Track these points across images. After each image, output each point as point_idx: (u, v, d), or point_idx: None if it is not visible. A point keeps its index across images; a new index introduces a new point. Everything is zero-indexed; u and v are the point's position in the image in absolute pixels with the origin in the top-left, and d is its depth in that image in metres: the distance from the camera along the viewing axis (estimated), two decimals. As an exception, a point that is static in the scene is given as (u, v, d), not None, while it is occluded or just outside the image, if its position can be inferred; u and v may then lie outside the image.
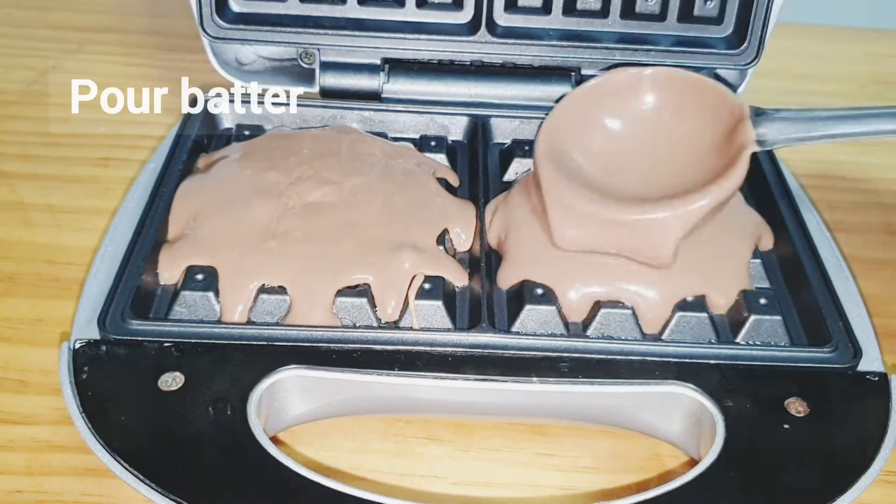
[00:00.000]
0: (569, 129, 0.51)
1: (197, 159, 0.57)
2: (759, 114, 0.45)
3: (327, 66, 0.61)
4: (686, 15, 0.60)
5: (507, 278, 0.49)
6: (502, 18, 0.60)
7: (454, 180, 0.57)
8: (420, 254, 0.49)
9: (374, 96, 0.61)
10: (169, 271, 0.49)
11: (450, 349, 0.44)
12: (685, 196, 0.46)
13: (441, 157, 0.59)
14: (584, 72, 0.61)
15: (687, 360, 0.44)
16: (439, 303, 0.47)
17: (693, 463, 0.43)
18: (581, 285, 0.48)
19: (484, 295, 0.47)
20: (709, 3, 0.59)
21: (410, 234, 0.50)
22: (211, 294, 0.47)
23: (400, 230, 0.50)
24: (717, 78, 0.62)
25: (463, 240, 0.52)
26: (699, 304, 0.48)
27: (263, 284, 0.47)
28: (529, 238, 0.50)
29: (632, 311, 0.47)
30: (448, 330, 0.47)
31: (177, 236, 0.50)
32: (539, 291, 0.48)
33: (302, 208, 0.51)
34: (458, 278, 0.49)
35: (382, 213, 0.51)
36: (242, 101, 0.61)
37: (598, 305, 0.47)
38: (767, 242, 0.53)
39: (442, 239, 0.51)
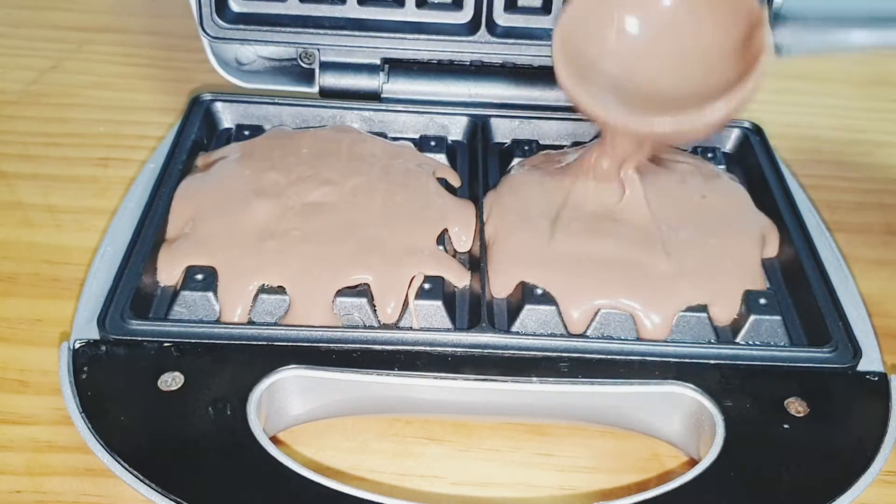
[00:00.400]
0: (583, 32, 0.49)
1: (196, 159, 0.57)
2: (777, 18, 0.43)
3: (327, 66, 0.61)
4: (686, 15, 0.60)
5: (504, 282, 0.49)
6: (502, 18, 0.60)
7: (455, 180, 0.57)
8: (421, 254, 0.49)
9: (373, 96, 0.61)
10: (168, 272, 0.48)
11: (449, 349, 0.44)
12: (694, 110, 0.44)
13: (441, 157, 0.59)
14: (583, 72, 0.61)
15: (687, 360, 0.44)
16: (439, 303, 0.47)
17: (693, 463, 0.43)
18: (584, 300, 0.47)
19: (484, 295, 0.47)
20: (708, 3, 0.59)
21: (410, 234, 0.50)
22: (211, 294, 0.47)
23: (400, 230, 0.50)
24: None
25: (463, 241, 0.52)
26: (700, 305, 0.48)
27: (263, 285, 0.47)
28: (524, 238, 0.50)
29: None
30: (448, 330, 0.47)
31: (176, 236, 0.50)
32: (539, 291, 0.48)
33: (301, 208, 0.51)
34: (459, 278, 0.49)
35: (383, 213, 0.51)
36: (242, 101, 0.61)
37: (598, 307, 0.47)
38: (773, 249, 0.52)
39: (442, 239, 0.51)
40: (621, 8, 0.49)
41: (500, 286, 0.49)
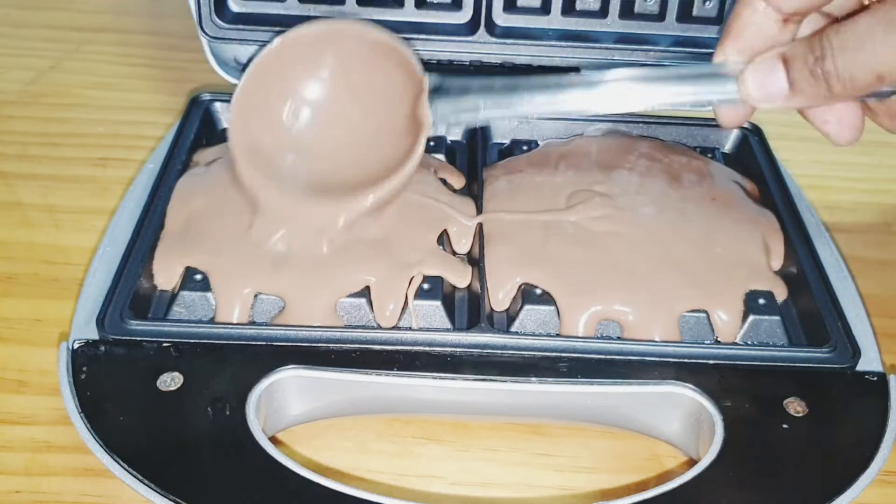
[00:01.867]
0: (256, 106, 0.48)
1: (194, 155, 0.57)
2: (437, 87, 0.43)
3: (326, 66, 0.61)
4: (685, 15, 0.60)
5: (502, 281, 0.49)
6: (501, 18, 0.60)
7: (458, 181, 0.57)
8: (424, 254, 0.49)
9: (372, 96, 0.61)
10: (164, 276, 0.48)
11: (449, 349, 0.44)
12: (352, 195, 0.45)
13: (440, 158, 0.59)
14: (583, 72, 0.61)
15: (686, 360, 0.44)
16: (438, 303, 0.47)
17: (692, 463, 0.43)
18: (589, 309, 0.47)
19: (483, 295, 0.47)
20: (707, 3, 0.59)
21: (411, 234, 0.50)
22: (209, 294, 0.47)
23: (401, 231, 0.50)
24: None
25: (463, 243, 0.52)
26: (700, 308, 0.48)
27: (259, 293, 0.47)
28: (520, 239, 0.50)
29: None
30: (447, 330, 0.47)
31: (172, 236, 0.50)
32: (538, 291, 0.48)
33: None
34: (460, 279, 0.49)
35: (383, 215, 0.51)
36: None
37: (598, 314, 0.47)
38: (777, 256, 0.52)
39: (441, 240, 0.51)
40: (286, 94, 0.49)
41: (500, 294, 0.48)
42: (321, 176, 0.46)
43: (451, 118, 0.43)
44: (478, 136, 0.59)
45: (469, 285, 0.49)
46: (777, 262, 0.51)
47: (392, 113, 0.46)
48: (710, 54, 0.58)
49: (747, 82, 0.38)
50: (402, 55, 0.45)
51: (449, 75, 0.45)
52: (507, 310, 0.48)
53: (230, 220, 0.50)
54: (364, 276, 0.47)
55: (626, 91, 0.39)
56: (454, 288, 0.49)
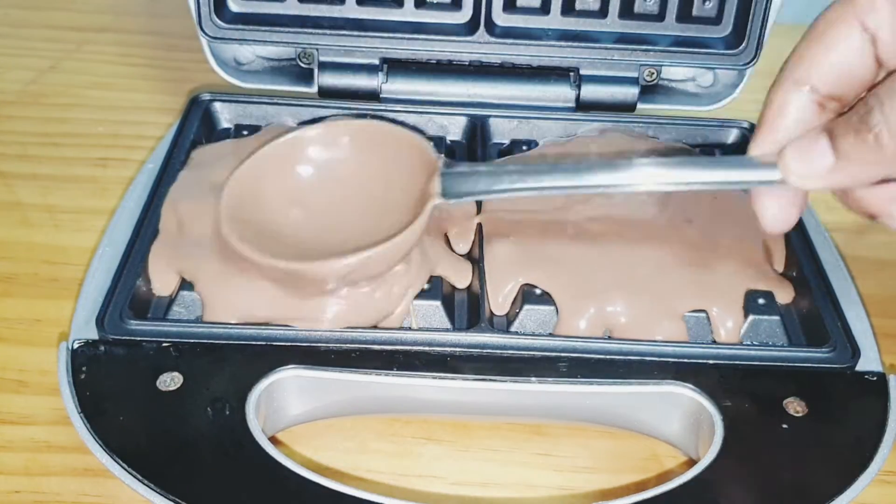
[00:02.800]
0: (256, 190, 0.48)
1: (192, 152, 0.57)
2: (450, 166, 0.44)
3: (326, 66, 0.61)
4: (685, 15, 0.60)
5: (502, 282, 0.48)
6: (501, 18, 0.60)
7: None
8: (427, 255, 0.49)
9: (372, 96, 0.61)
10: (159, 284, 0.48)
11: (448, 349, 0.44)
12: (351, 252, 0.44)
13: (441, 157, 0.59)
14: (582, 71, 0.61)
15: (685, 360, 0.44)
16: (438, 303, 0.47)
17: (691, 463, 0.43)
18: (589, 310, 0.47)
19: (483, 295, 0.47)
20: (707, 3, 0.59)
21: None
22: (209, 294, 0.47)
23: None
24: (715, 77, 0.62)
25: (461, 246, 0.51)
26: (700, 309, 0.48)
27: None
28: (520, 238, 0.50)
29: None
30: (447, 330, 0.47)
31: (166, 240, 0.50)
32: (538, 292, 0.48)
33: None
34: (461, 279, 0.49)
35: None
36: (241, 101, 0.61)
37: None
38: (779, 256, 0.52)
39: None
40: (293, 165, 0.49)
41: (500, 298, 0.48)
42: (325, 249, 0.46)
43: (461, 192, 0.43)
44: (478, 135, 0.59)
45: (469, 286, 0.49)
46: (780, 263, 0.51)
47: (406, 193, 0.47)
48: (711, 54, 0.59)
49: (787, 159, 0.35)
50: (417, 144, 0.47)
51: (461, 162, 0.46)
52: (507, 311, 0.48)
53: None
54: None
55: (653, 173, 0.37)
56: (454, 288, 0.49)
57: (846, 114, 0.34)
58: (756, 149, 0.37)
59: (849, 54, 0.35)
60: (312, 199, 0.49)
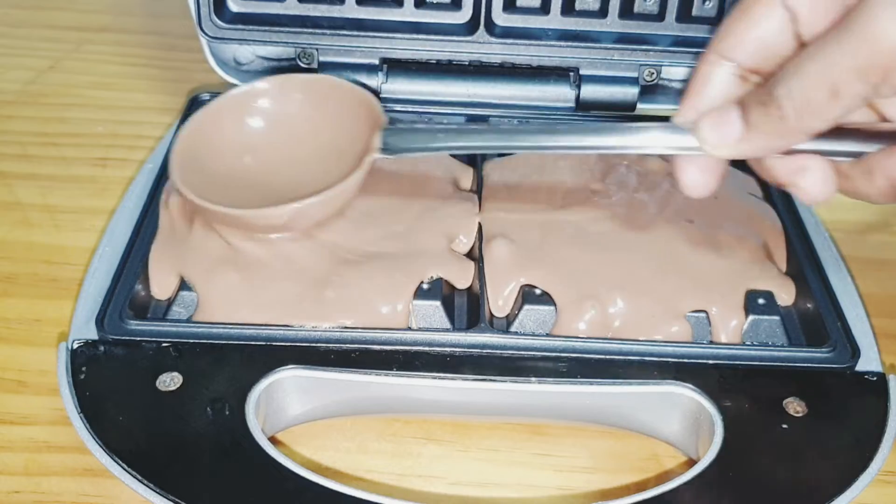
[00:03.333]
0: (206, 141, 0.51)
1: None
2: (392, 123, 0.47)
3: (325, 66, 0.61)
4: (684, 15, 0.60)
5: (502, 283, 0.48)
6: (501, 18, 0.60)
7: (466, 181, 0.56)
8: (430, 255, 0.49)
9: (372, 96, 0.61)
10: (158, 288, 0.48)
11: (448, 349, 0.44)
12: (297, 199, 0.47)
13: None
14: (582, 71, 0.61)
15: (685, 360, 0.44)
16: (437, 303, 0.47)
17: (691, 463, 0.43)
18: (589, 310, 0.47)
19: (483, 296, 0.47)
20: (707, 3, 0.59)
21: (419, 237, 0.50)
22: (209, 294, 0.47)
23: (409, 235, 0.50)
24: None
25: (464, 243, 0.51)
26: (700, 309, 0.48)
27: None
28: (520, 238, 0.50)
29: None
30: (447, 330, 0.47)
31: (165, 240, 0.49)
32: (538, 292, 0.48)
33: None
34: (463, 280, 0.49)
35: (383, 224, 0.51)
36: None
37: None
38: (781, 256, 0.52)
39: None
40: (242, 116, 0.53)
41: (500, 301, 0.48)
42: (274, 196, 0.49)
43: (400, 147, 0.46)
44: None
45: (469, 286, 0.49)
46: (781, 262, 0.51)
47: (352, 146, 0.50)
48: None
49: (702, 128, 0.37)
50: (365, 99, 0.51)
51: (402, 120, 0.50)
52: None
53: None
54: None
55: (582, 136, 0.40)
56: (453, 288, 0.49)
57: (760, 87, 0.36)
58: (679, 117, 0.38)
59: (770, 30, 0.36)
60: (263, 148, 0.52)
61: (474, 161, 0.58)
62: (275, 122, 0.53)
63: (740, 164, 0.58)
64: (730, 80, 0.37)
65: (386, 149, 0.46)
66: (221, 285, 0.47)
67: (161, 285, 0.48)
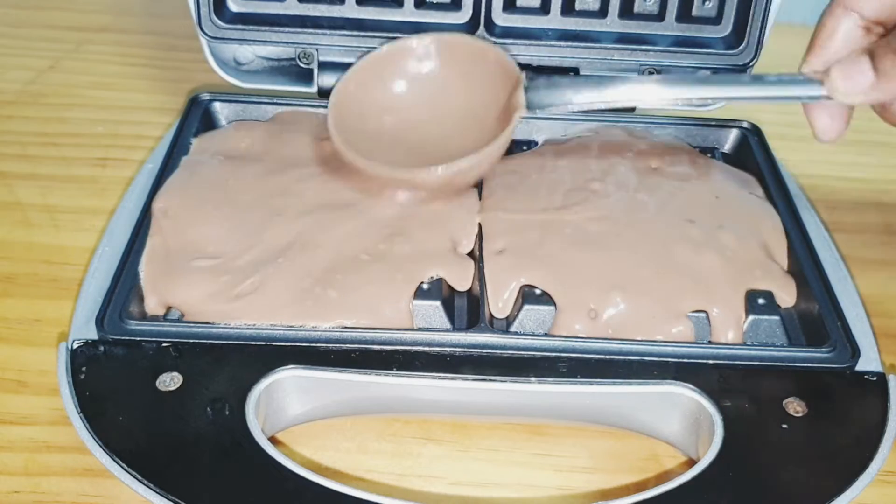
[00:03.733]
0: (357, 101, 0.53)
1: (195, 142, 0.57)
2: (532, 79, 0.48)
3: (325, 66, 0.61)
4: (684, 15, 0.60)
5: (502, 284, 0.48)
6: (501, 18, 0.60)
7: None
8: (430, 255, 0.49)
9: (372, 96, 0.61)
10: (152, 311, 0.47)
11: (448, 349, 0.44)
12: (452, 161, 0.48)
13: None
14: (582, 71, 0.61)
15: (685, 360, 0.44)
16: (437, 303, 0.47)
17: (691, 463, 0.43)
18: (591, 311, 0.47)
19: (483, 296, 0.47)
20: (707, 2, 0.59)
21: (419, 238, 0.50)
22: (209, 294, 0.47)
23: (409, 235, 0.50)
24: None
25: (465, 244, 0.51)
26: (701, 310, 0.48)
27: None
28: (519, 239, 0.50)
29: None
30: (446, 330, 0.47)
31: (159, 260, 0.49)
32: (538, 292, 0.48)
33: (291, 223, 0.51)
34: (463, 282, 0.49)
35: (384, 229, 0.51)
36: (241, 101, 0.61)
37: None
38: (782, 255, 0.51)
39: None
40: (390, 76, 0.54)
41: (500, 303, 0.48)
42: (419, 157, 0.51)
43: (545, 103, 0.47)
44: (477, 135, 0.59)
45: (469, 288, 0.49)
46: (782, 262, 0.51)
47: (490, 106, 0.51)
48: (711, 54, 0.59)
49: (833, 77, 0.40)
50: (497, 56, 0.52)
51: (541, 76, 0.49)
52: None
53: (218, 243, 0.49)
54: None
55: (708, 87, 0.44)
56: (453, 289, 0.49)
57: (887, 36, 0.40)
58: (806, 67, 0.43)
59: None
60: (403, 108, 0.53)
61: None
62: (415, 82, 0.54)
63: (740, 164, 0.59)
64: (855, 31, 0.41)
65: (531, 105, 0.47)
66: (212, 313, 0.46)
67: (153, 310, 0.47)
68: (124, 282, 0.47)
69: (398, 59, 0.53)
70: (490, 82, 0.51)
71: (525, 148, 0.60)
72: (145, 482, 0.38)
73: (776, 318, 0.47)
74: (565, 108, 0.47)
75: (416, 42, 0.53)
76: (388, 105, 0.53)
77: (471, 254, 0.51)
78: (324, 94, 0.61)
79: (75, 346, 0.44)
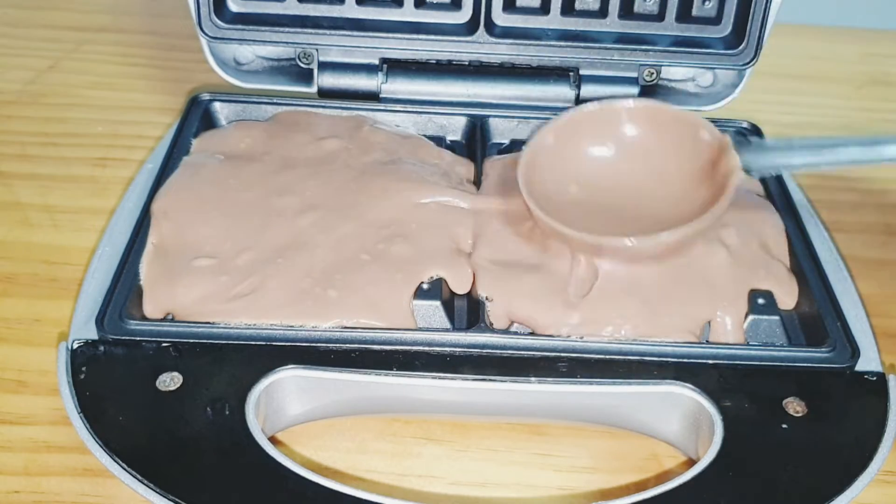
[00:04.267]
0: (549, 163, 0.51)
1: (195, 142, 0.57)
2: (740, 143, 0.47)
3: (325, 67, 0.61)
4: (684, 15, 0.60)
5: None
6: (501, 18, 0.60)
7: (468, 176, 0.56)
8: (430, 255, 0.49)
9: (372, 96, 0.61)
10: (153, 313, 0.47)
11: (448, 349, 0.44)
12: (673, 228, 0.46)
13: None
14: (582, 71, 0.61)
15: (685, 360, 0.44)
16: (437, 303, 0.47)
17: (691, 463, 0.43)
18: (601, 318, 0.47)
19: (482, 295, 0.47)
20: (707, 3, 0.59)
21: (419, 237, 0.50)
22: (209, 294, 0.47)
23: (409, 235, 0.50)
24: (715, 75, 0.62)
25: (465, 244, 0.51)
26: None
27: None
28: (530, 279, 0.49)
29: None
30: (446, 330, 0.47)
31: (159, 268, 0.48)
32: (537, 291, 0.48)
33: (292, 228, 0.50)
34: (462, 285, 0.48)
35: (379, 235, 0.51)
36: (241, 101, 0.61)
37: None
38: (783, 254, 0.51)
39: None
40: (587, 137, 0.52)
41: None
42: (616, 223, 0.49)
43: (761, 165, 0.46)
44: (477, 135, 0.59)
45: (469, 292, 0.49)
46: (784, 261, 0.51)
47: (684, 171, 0.50)
48: (711, 54, 0.59)
49: None
50: (699, 124, 0.50)
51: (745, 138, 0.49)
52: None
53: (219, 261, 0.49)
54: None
55: None
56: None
57: None
58: None
59: None
60: (591, 176, 0.51)
61: (474, 156, 0.58)
62: (612, 144, 0.52)
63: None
64: None
65: (747, 168, 0.46)
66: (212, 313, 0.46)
67: (152, 315, 0.47)
68: (124, 282, 0.47)
69: (600, 119, 0.52)
70: (687, 147, 0.50)
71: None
72: (145, 482, 0.38)
73: (776, 317, 0.47)
74: (780, 171, 0.47)
75: (622, 105, 0.52)
76: (582, 163, 0.52)
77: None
78: (324, 94, 0.61)
79: (75, 346, 0.44)
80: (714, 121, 0.61)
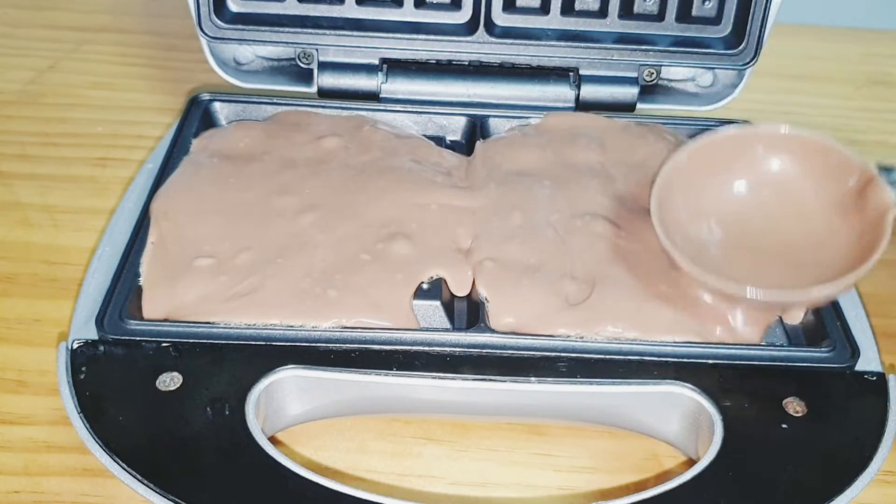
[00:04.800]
0: (683, 191, 0.48)
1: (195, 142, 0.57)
2: (886, 169, 0.43)
3: (325, 67, 0.61)
4: (684, 15, 0.60)
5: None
6: (500, 18, 0.60)
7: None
8: (430, 255, 0.49)
9: (372, 96, 0.61)
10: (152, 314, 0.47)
11: (448, 349, 0.44)
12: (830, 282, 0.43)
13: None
14: (582, 71, 0.61)
15: (685, 360, 0.44)
16: (437, 303, 0.47)
17: (691, 463, 0.43)
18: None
19: (482, 295, 0.47)
20: (707, 3, 0.59)
21: (419, 237, 0.50)
22: (209, 294, 0.47)
23: (409, 235, 0.50)
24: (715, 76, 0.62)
25: (465, 244, 0.51)
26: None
27: None
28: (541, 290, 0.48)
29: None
30: (446, 330, 0.47)
31: (159, 269, 0.48)
32: (537, 291, 0.48)
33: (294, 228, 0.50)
34: (462, 288, 0.48)
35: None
36: (241, 101, 0.61)
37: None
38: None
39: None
40: (726, 172, 0.49)
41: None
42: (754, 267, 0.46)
43: None
44: (477, 135, 0.59)
45: (469, 294, 0.49)
46: None
47: (825, 201, 0.47)
48: (711, 54, 0.59)
49: None
50: (839, 153, 0.46)
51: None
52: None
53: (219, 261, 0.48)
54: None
55: None
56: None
57: None
58: None
59: None
60: (728, 212, 0.48)
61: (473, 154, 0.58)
62: (752, 175, 0.48)
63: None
64: None
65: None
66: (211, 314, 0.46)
67: (151, 316, 0.47)
68: (124, 282, 0.47)
69: (740, 147, 0.48)
70: (825, 180, 0.46)
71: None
72: (145, 482, 0.38)
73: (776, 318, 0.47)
74: None
75: (764, 130, 0.48)
76: (717, 195, 0.48)
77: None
78: (324, 94, 0.61)
79: (75, 346, 0.44)
80: (714, 121, 0.61)
